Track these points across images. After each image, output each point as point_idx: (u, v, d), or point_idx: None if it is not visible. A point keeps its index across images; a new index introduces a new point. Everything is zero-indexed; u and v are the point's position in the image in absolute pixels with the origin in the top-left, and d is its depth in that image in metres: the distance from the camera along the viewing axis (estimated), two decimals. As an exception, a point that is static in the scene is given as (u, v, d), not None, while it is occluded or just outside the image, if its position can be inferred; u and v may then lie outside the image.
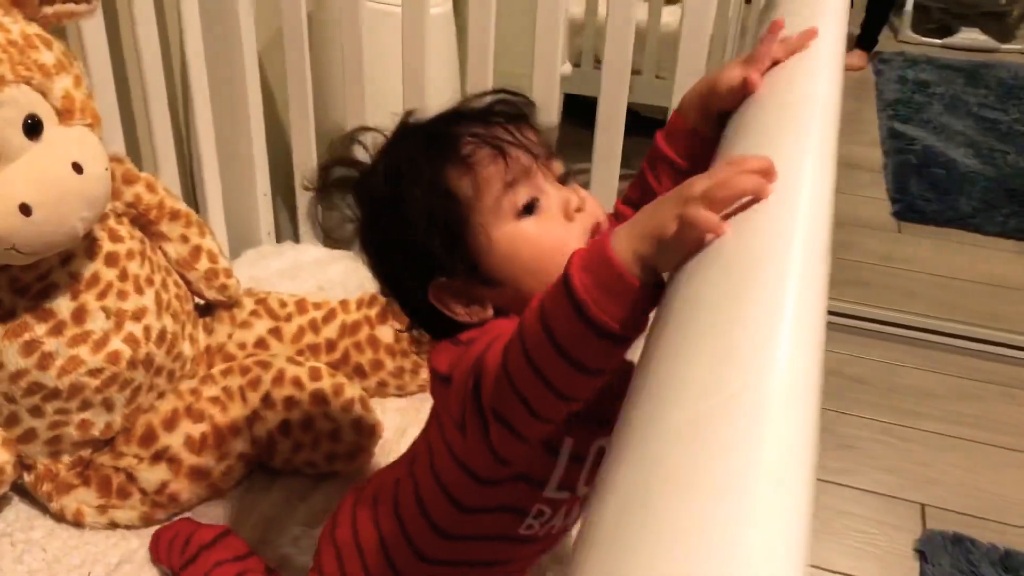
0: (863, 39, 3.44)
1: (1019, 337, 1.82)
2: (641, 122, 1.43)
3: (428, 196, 0.64)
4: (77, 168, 0.85)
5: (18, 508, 1.00)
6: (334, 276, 1.39)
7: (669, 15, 2.51)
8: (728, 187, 0.45)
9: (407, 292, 0.68)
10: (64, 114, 0.87)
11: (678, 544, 0.31)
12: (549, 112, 1.32)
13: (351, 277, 1.38)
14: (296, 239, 1.52)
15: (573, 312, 0.49)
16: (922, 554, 1.36)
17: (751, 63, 0.61)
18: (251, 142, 1.40)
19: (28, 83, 0.83)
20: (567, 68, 2.38)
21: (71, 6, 0.90)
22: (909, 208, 2.40)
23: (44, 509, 0.99)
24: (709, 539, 0.30)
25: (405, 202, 0.65)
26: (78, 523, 0.97)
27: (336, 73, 1.42)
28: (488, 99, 0.67)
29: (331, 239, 0.69)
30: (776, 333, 0.38)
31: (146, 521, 0.98)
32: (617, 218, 0.73)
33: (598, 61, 2.70)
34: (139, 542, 0.97)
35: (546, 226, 0.64)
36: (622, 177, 1.35)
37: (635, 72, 2.02)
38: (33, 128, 0.83)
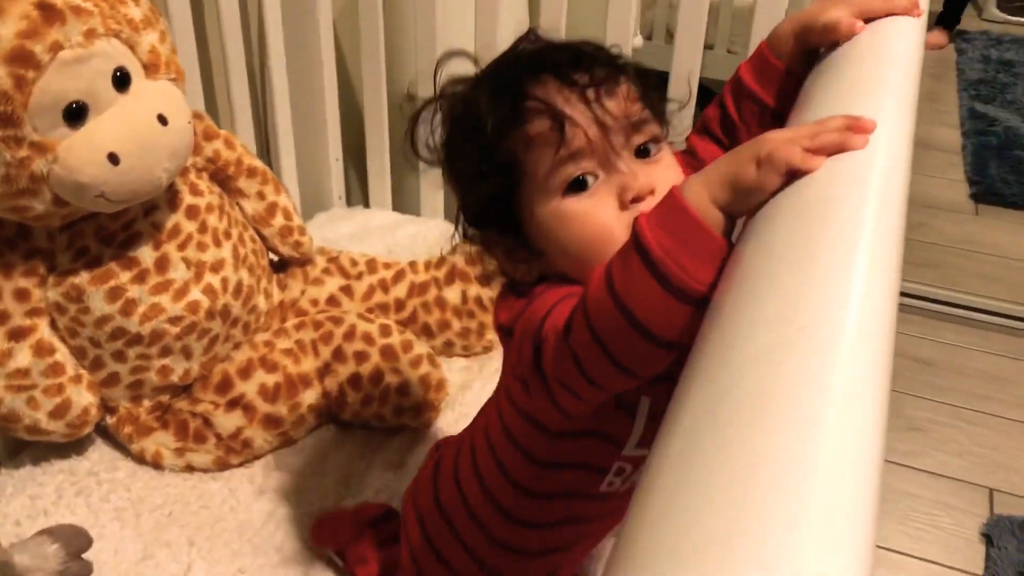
0: (945, 17, 3.34)
1: (1097, 323, 1.77)
2: (711, 96, 1.42)
3: (483, 150, 0.61)
4: (162, 120, 0.88)
5: (102, 449, 1.04)
6: (402, 240, 1.41)
7: (745, -10, 2.47)
8: (814, 139, 0.44)
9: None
10: (150, 68, 0.90)
11: (748, 472, 0.31)
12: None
13: (418, 242, 1.40)
14: (367, 204, 1.55)
15: (649, 275, 0.46)
16: (988, 538, 1.33)
17: (851, 5, 0.58)
18: (324, 107, 1.43)
19: (117, 36, 0.86)
20: (639, 41, 2.37)
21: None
22: (988, 191, 2.33)
23: (126, 451, 1.03)
24: (779, 465, 0.31)
25: (466, 147, 0.63)
26: (157, 465, 1.01)
27: (409, 40, 1.43)
28: (573, 52, 0.62)
29: (421, 159, 0.67)
30: (850, 271, 0.39)
31: (221, 465, 1.02)
32: (690, 153, 0.70)
33: (670, 34, 2.68)
34: (217, 485, 1.00)
35: (593, 209, 0.59)
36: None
37: (707, 46, 1.99)
38: (122, 80, 0.87)
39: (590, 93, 0.59)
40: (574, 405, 0.58)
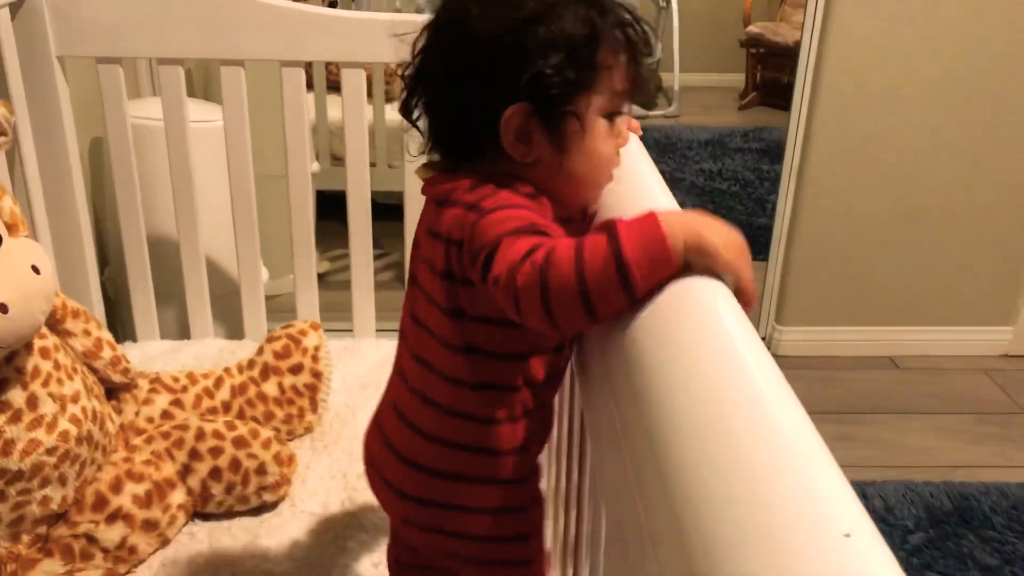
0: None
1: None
2: (379, 208, 1.68)
3: (577, 40, 0.68)
4: (36, 270, 1.00)
5: (-20, 595, 1.08)
6: (189, 362, 1.55)
7: (391, 112, 2.86)
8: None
9: (471, 102, 0.70)
10: (11, 227, 1.02)
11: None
12: (304, 209, 1.57)
13: (204, 361, 1.55)
14: (135, 339, 1.65)
15: (623, 290, 0.58)
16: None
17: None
18: (83, 247, 1.54)
19: (-12, 204, 0.98)
20: (316, 166, 2.66)
21: (-5, 140, 1.05)
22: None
23: (6, 591, 1.08)
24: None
25: (555, 24, 0.68)
26: (46, 593, 1.08)
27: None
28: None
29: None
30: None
31: (110, 577, 1.11)
32: None
33: (335, 158, 3.00)
34: (108, 596, 1.09)
35: (609, 138, 0.73)
36: (376, 257, 1.64)
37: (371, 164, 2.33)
38: (-4, 241, 0.98)
39: (641, 54, 0.72)
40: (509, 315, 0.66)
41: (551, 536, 1.08)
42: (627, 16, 0.71)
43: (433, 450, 0.77)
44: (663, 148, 4.00)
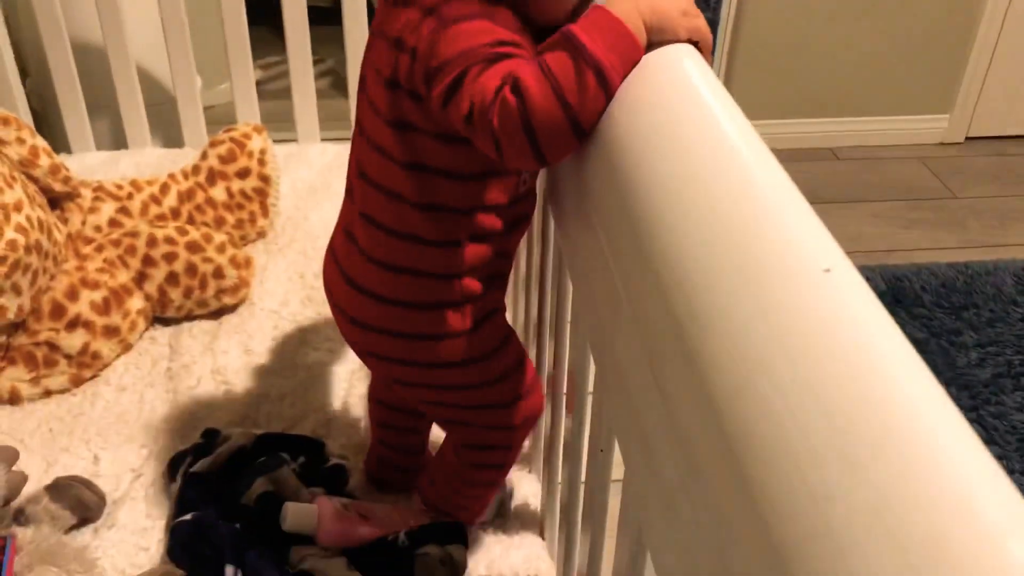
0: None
1: None
2: (313, 11, 1.57)
3: None
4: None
5: (-52, 404, 1.09)
6: (126, 170, 1.50)
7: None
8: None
9: None
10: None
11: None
12: (237, 10, 1.47)
13: (144, 170, 1.50)
14: (69, 151, 1.59)
15: (603, 93, 0.57)
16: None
17: None
18: (5, 68, 1.45)
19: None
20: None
21: None
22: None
23: (-28, 399, 1.09)
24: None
25: None
26: (14, 400, 1.09)
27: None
28: None
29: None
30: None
31: (76, 382, 1.12)
32: None
33: None
34: (77, 399, 1.11)
35: None
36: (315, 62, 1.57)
37: None
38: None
39: None
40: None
41: (511, 317, 1.11)
42: None
43: (379, 274, 0.74)
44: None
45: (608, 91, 0.57)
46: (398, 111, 0.68)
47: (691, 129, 0.51)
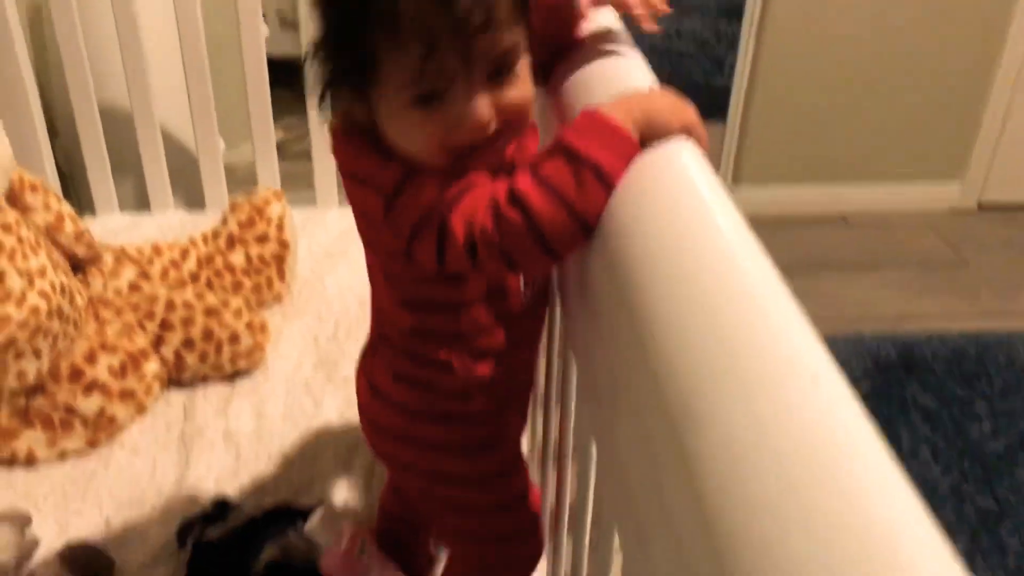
0: None
1: None
2: None
3: (352, 35, 0.60)
4: (-8, 144, 0.98)
5: (-35, 465, 1.11)
6: (149, 233, 1.54)
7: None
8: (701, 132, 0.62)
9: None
10: (-37, 100, 0.99)
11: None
12: (259, 73, 1.54)
13: (167, 233, 1.54)
14: (93, 213, 1.63)
15: (603, 190, 0.57)
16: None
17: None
18: (34, 127, 1.50)
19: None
20: (264, 30, 2.57)
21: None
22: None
23: (-9, 460, 1.11)
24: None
25: (339, 13, 0.61)
26: (31, 462, 1.11)
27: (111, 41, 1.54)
28: None
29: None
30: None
31: (92, 444, 1.14)
32: None
33: (283, 21, 2.91)
34: (93, 463, 1.13)
35: (434, 125, 0.62)
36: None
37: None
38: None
39: (467, 25, 0.58)
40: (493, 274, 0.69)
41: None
42: None
43: (394, 386, 0.76)
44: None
45: (608, 187, 0.58)
46: (383, 247, 0.71)
47: (688, 228, 0.53)
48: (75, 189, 1.80)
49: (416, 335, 0.74)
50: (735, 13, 2.47)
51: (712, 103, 2.62)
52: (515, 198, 0.59)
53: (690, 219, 0.54)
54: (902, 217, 2.46)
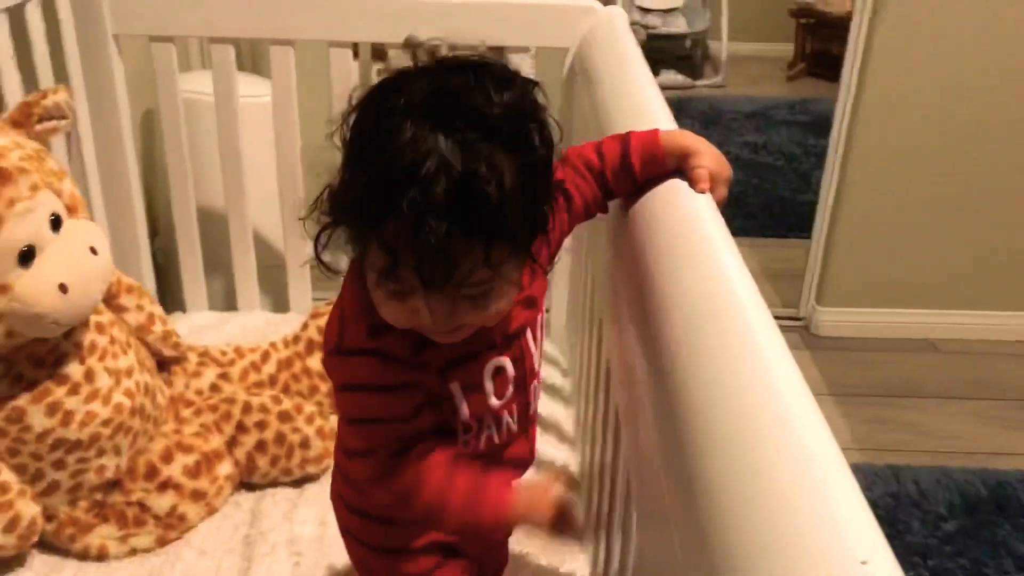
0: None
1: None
2: None
3: (360, 206, 0.64)
4: (93, 251, 1.05)
5: (42, 558, 1.14)
6: (233, 332, 1.59)
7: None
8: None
9: None
10: (71, 209, 1.06)
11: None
12: None
13: (249, 332, 1.59)
14: (183, 309, 1.70)
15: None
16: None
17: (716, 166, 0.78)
18: (135, 224, 1.59)
19: (50, 187, 1.02)
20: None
21: (55, 123, 1.09)
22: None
23: (64, 552, 1.14)
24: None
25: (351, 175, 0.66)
26: (101, 557, 1.14)
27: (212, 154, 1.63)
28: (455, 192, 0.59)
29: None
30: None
31: (161, 543, 1.16)
32: (565, 163, 0.81)
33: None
34: (160, 560, 1.15)
35: (401, 312, 0.66)
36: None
37: None
38: (56, 223, 1.03)
39: (427, 281, 0.62)
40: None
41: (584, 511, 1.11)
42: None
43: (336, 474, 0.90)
44: (708, 119, 3.96)
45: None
46: None
47: (749, 399, 0.53)
48: (169, 285, 1.88)
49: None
50: (824, 128, 2.46)
51: (800, 219, 2.60)
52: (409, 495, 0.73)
53: (749, 378, 0.54)
54: (996, 345, 2.37)
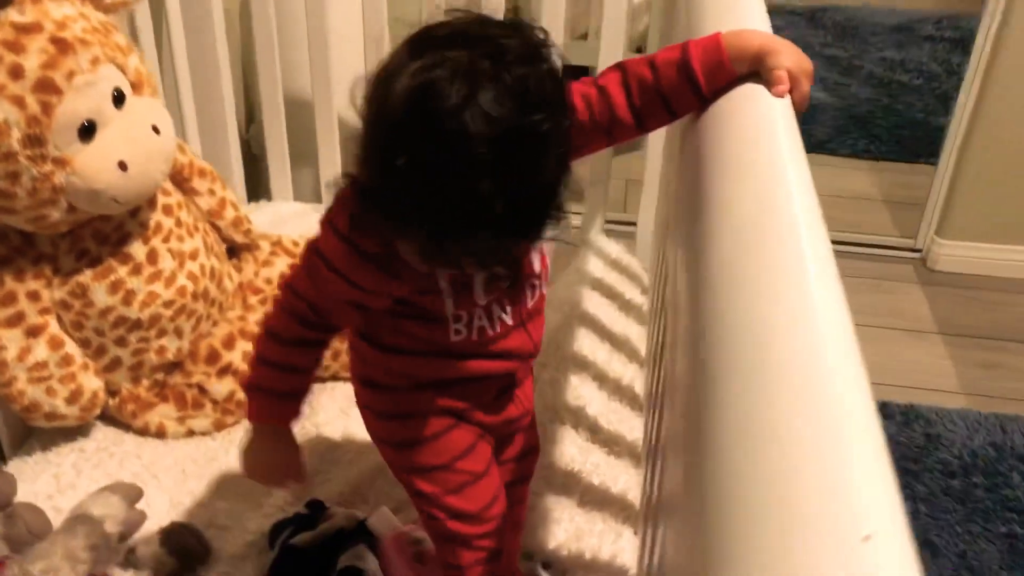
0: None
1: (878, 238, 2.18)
2: None
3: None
4: (156, 130, 1.03)
5: (103, 430, 1.17)
6: (314, 223, 1.57)
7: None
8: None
9: None
10: (136, 86, 1.04)
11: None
12: None
13: (329, 224, 1.57)
14: (269, 198, 1.70)
15: None
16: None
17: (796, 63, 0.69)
18: (224, 111, 1.57)
19: (113, 61, 1.00)
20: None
21: (126, -4, 1.07)
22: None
23: (125, 427, 1.17)
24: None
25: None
26: (160, 435, 1.16)
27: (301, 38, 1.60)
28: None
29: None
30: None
31: (218, 426, 1.18)
32: (600, 92, 0.73)
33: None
34: (216, 444, 1.16)
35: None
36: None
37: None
38: (119, 99, 1.01)
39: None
40: None
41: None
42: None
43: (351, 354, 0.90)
44: (843, 31, 3.68)
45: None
46: None
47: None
48: (261, 175, 1.88)
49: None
50: (971, 48, 2.24)
51: (930, 144, 2.41)
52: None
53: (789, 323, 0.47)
54: None
